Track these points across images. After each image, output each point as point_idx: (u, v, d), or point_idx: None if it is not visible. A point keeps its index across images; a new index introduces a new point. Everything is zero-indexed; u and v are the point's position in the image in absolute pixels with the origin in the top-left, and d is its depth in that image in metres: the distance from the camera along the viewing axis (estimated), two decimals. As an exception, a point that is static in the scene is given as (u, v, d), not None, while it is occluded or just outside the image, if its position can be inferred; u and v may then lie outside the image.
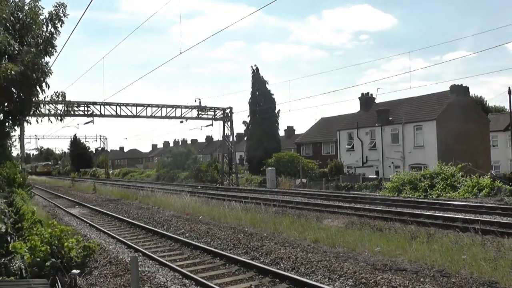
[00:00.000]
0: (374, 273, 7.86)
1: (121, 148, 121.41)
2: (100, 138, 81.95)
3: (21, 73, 9.02)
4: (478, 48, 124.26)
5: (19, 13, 9.67)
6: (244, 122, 49.80)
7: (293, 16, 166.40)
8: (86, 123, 36.14)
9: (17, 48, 9.75)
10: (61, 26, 10.28)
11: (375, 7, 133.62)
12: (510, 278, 7.29)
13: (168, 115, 37.31)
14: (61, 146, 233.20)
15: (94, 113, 34.11)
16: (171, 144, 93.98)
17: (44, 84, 10.16)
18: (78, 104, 32.34)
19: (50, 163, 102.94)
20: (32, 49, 9.59)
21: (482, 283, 7.27)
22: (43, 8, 10.06)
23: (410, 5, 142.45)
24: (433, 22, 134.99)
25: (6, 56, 9.58)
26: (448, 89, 38.38)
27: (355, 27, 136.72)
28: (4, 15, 8.80)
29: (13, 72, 8.65)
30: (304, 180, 35.74)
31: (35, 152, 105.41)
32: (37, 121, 11.27)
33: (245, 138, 53.60)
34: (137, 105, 35.82)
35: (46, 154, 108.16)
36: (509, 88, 31.57)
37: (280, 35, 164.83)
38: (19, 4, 9.71)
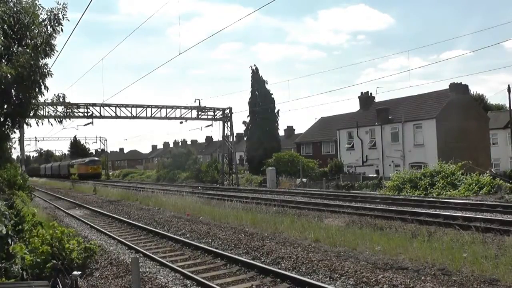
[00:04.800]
0: (375, 272, 7.86)
1: (121, 149, 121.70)
2: (100, 140, 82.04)
3: (18, 74, 9.00)
4: (475, 46, 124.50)
5: (19, 15, 9.64)
6: (244, 122, 49.86)
7: (289, 17, 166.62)
8: (86, 124, 36.21)
9: (15, 50, 9.74)
10: (61, 30, 10.25)
11: (372, 7, 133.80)
12: (511, 276, 7.29)
13: (167, 116, 37.35)
14: (61, 147, 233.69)
15: (93, 115, 34.15)
16: (171, 145, 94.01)
17: (43, 86, 10.15)
18: (78, 105, 32.41)
19: (97, 159, 71.60)
20: (28, 50, 9.56)
21: (483, 281, 7.26)
22: (43, 8, 10.04)
23: (407, 4, 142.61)
24: (430, 21, 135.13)
25: (6, 58, 9.58)
26: (448, 87, 38.42)
27: (352, 27, 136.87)
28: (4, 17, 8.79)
29: (9, 76, 8.63)
30: (304, 180, 35.75)
31: (35, 154, 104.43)
32: (37, 123, 11.25)
33: (245, 138, 53.62)
34: (136, 106, 35.86)
35: (46, 156, 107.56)
36: (509, 86, 31.66)
37: (277, 35, 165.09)
38: (18, 5, 9.68)
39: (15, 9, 9.57)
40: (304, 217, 15.08)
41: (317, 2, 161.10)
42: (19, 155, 39.40)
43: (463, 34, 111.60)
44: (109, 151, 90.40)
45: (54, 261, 8.11)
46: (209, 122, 41.24)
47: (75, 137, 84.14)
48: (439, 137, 35.60)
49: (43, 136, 76.57)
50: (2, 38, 8.86)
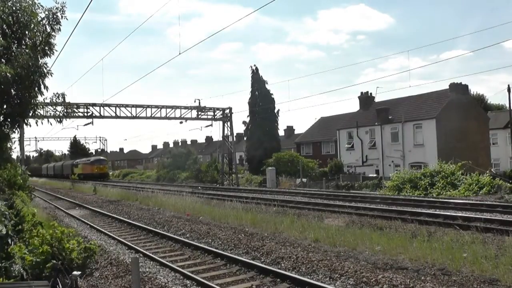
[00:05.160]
0: (375, 272, 7.85)
1: (121, 149, 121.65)
2: (100, 140, 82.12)
3: (17, 74, 9.00)
4: (475, 47, 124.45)
5: (18, 13, 9.62)
6: (244, 122, 49.86)
7: (289, 17, 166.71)
8: (86, 124, 36.20)
9: (14, 50, 9.72)
10: (59, 30, 10.25)
11: (372, 7, 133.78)
12: (511, 276, 7.29)
13: (167, 116, 37.35)
14: (61, 147, 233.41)
15: (93, 115, 34.14)
16: (171, 145, 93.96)
17: (42, 86, 10.14)
18: (78, 105, 32.38)
19: (103, 158, 66.92)
20: (27, 50, 9.55)
21: (483, 281, 7.26)
22: (42, 7, 10.03)
23: (407, 4, 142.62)
24: (430, 22, 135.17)
25: (6, 57, 9.57)
26: (448, 87, 38.42)
27: (352, 27, 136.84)
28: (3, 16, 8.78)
29: (8, 76, 8.62)
30: (304, 180, 35.75)
31: (35, 154, 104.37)
32: (36, 123, 11.23)
33: (245, 138, 53.62)
34: (136, 106, 35.85)
35: (46, 156, 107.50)
36: (508, 86, 31.67)
37: (277, 35, 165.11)
38: (17, 4, 9.67)
39: (14, 8, 9.56)
40: (304, 217, 15.08)
41: (317, 2, 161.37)
42: (19, 155, 39.40)
43: (463, 34, 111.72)
44: (109, 151, 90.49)
45: (54, 261, 8.10)
46: (209, 122, 41.27)
47: (75, 137, 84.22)
48: (439, 137, 35.59)
49: (43, 136, 76.75)
50: (1, 38, 8.85)
